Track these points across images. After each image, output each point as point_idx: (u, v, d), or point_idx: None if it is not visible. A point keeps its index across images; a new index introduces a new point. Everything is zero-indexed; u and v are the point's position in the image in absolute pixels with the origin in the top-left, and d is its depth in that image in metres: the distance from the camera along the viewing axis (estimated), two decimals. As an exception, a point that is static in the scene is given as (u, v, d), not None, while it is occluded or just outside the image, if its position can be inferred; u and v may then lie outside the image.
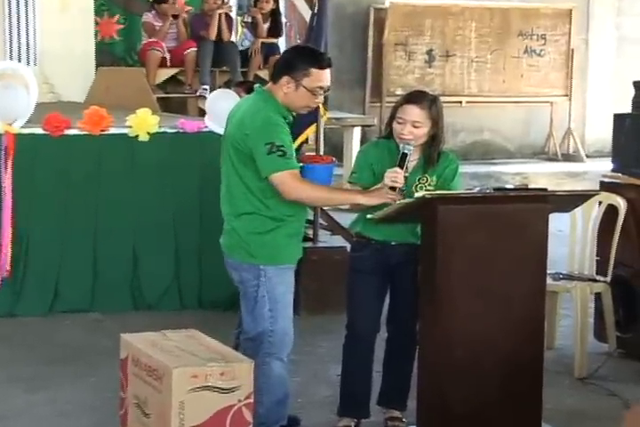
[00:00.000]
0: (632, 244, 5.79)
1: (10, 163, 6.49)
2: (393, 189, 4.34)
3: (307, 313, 6.34)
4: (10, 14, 9.32)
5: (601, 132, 12.27)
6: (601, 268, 5.79)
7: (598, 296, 5.84)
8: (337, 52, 11.06)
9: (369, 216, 4.42)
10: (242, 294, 4.39)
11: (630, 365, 5.73)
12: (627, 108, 6.09)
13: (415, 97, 4.57)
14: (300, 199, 4.26)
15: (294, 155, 4.28)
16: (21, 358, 5.75)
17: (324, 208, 7.16)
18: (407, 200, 4.34)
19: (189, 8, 10.59)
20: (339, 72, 10.81)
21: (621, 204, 5.72)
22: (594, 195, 5.12)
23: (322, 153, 7.33)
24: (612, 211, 5.73)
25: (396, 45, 12.37)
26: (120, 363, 4.40)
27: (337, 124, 10.33)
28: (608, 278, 5.72)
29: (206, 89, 9.86)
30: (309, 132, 7.04)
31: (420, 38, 12.47)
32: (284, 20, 10.59)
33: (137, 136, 6.71)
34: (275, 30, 10.58)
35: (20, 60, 9.10)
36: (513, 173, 12.14)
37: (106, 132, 6.69)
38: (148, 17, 10.19)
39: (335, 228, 7.44)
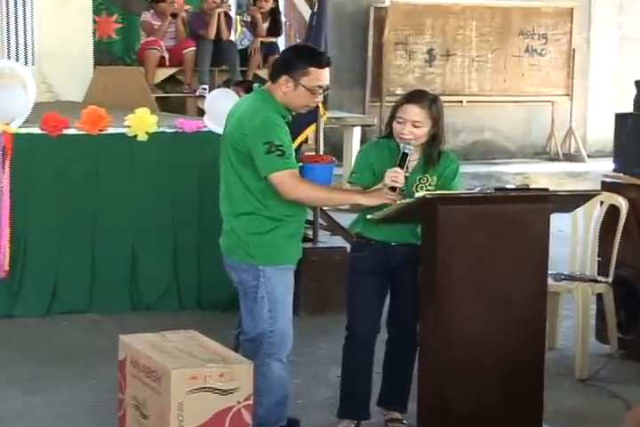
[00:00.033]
0: (634, 244, 5.78)
1: (7, 163, 6.48)
2: (393, 189, 4.34)
3: (306, 314, 6.34)
4: (7, 13, 9.33)
5: (602, 132, 12.25)
6: (602, 268, 5.78)
7: (600, 297, 5.83)
8: (337, 51, 11.06)
9: (369, 216, 4.42)
10: (241, 295, 4.39)
11: (632, 366, 5.72)
12: (628, 108, 6.09)
13: (415, 96, 4.56)
14: (299, 199, 4.25)
15: (293, 154, 4.27)
16: (19, 359, 5.74)
17: (324, 208, 7.16)
18: (407, 200, 4.34)
19: (188, 7, 10.58)
20: (338, 71, 10.81)
21: (623, 204, 5.71)
22: (595, 195, 5.12)
23: (321, 153, 7.33)
24: (613, 211, 5.73)
25: (396, 44, 12.36)
26: (118, 364, 4.40)
27: (337, 123, 10.32)
28: (610, 279, 5.72)
29: (205, 89, 9.85)
30: (309, 131, 7.03)
31: (420, 37, 12.46)
32: (283, 19, 10.58)
33: (135, 136, 6.70)
34: (274, 29, 10.57)
35: (17, 60, 9.10)
36: (514, 173, 12.14)
37: (104, 132, 6.68)
38: (147, 16, 10.18)
39: (335, 228, 7.43)
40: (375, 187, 4.43)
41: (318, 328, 6.18)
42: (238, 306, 4.48)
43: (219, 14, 10.20)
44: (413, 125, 4.48)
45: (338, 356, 4.80)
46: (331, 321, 5.95)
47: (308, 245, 6.70)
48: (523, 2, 12.97)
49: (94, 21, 10.15)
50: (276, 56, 5.08)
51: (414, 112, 4.48)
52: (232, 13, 10.62)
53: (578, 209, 5.14)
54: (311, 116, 6.63)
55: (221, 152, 4.37)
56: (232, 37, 10.52)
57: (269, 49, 10.36)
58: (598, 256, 5.83)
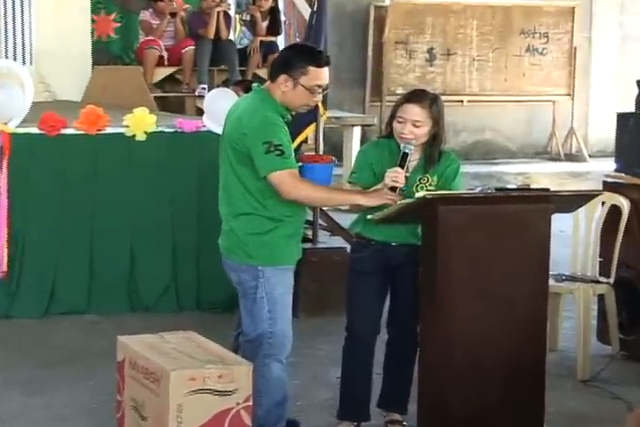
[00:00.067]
0: (636, 245, 5.77)
1: (5, 163, 6.47)
2: (393, 189, 4.33)
3: (306, 315, 6.34)
4: (5, 12, 9.34)
5: (604, 132, 12.24)
6: (604, 269, 5.78)
7: (601, 298, 5.83)
8: (337, 50, 11.07)
9: (369, 217, 4.42)
10: (240, 296, 4.38)
11: (633, 367, 5.71)
12: (630, 107, 6.10)
13: (416, 96, 4.56)
14: (298, 199, 4.24)
15: (293, 154, 4.26)
16: (17, 360, 5.73)
17: (324, 209, 7.15)
18: (408, 200, 4.33)
19: (187, 6, 10.58)
20: (338, 71, 10.81)
21: (625, 204, 5.70)
22: (597, 195, 5.10)
23: (321, 153, 7.35)
24: (615, 211, 5.72)
25: (396, 44, 12.36)
26: (117, 365, 4.39)
27: (337, 123, 10.34)
28: (611, 280, 5.71)
29: (205, 88, 9.83)
30: (309, 131, 7.03)
31: (420, 36, 12.46)
32: (283, 18, 10.57)
33: (134, 136, 6.69)
34: (274, 28, 10.56)
35: (15, 59, 9.13)
36: (515, 173, 12.15)
37: (102, 132, 6.67)
38: (146, 15, 10.18)
39: (335, 228, 7.43)
40: (375, 187, 4.42)
41: (318, 329, 6.17)
42: (237, 307, 4.48)
43: (218, 13, 10.19)
44: (414, 125, 4.47)
45: (337, 357, 4.79)
46: (330, 322, 5.93)
47: (308, 245, 6.70)
48: (524, 1, 12.96)
49: (92, 20, 10.17)
50: (276, 55, 5.06)
51: (415, 112, 4.47)
52: (231, 12, 10.61)
53: (579, 209, 5.16)
54: (311, 116, 6.63)
55: (220, 152, 4.37)
56: (231, 37, 10.51)
57: (269, 48, 10.35)
58: (600, 257, 5.83)
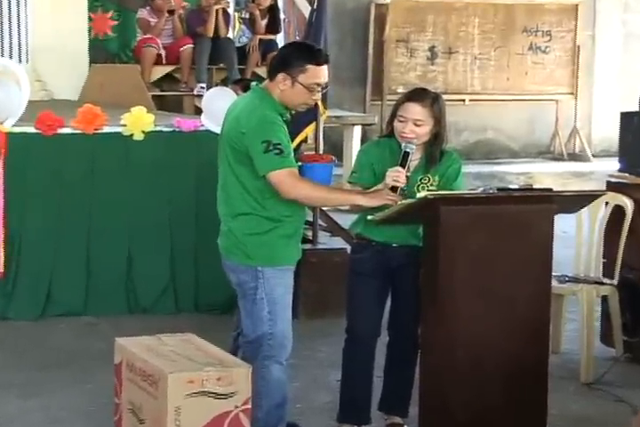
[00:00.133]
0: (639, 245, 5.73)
1: (1, 162, 6.45)
2: (394, 189, 4.31)
3: (306, 317, 6.33)
4: (1, 10, 9.33)
5: (608, 131, 12.21)
6: (607, 270, 5.77)
7: (605, 299, 5.82)
8: (337, 48, 11.06)
9: (369, 217, 4.40)
10: (240, 297, 4.36)
11: (638, 370, 5.69)
12: (634, 106, 6.10)
13: (417, 95, 4.54)
14: (298, 198, 4.21)
15: (292, 153, 4.24)
16: (13, 363, 5.71)
17: (324, 209, 7.15)
18: (409, 201, 4.32)
19: (185, 4, 10.58)
20: (339, 69, 10.78)
21: (628, 204, 5.68)
22: (600, 195, 5.08)
23: (321, 152, 7.33)
24: (618, 212, 5.70)
25: (397, 42, 12.33)
26: (114, 368, 4.39)
27: (337, 122, 10.34)
28: (615, 281, 5.69)
29: (203, 87, 9.82)
30: (308, 130, 7.05)
31: (422, 35, 12.43)
32: (282, 16, 10.56)
33: (132, 135, 6.67)
34: (273, 26, 10.54)
35: (11, 57, 9.15)
36: (517, 172, 12.15)
37: (100, 131, 6.65)
38: (143, 13, 10.17)
39: (335, 229, 7.43)
40: (376, 187, 4.41)
41: (318, 331, 6.15)
42: (236, 308, 4.47)
43: (217, 11, 10.17)
44: (415, 124, 4.46)
45: (338, 359, 4.77)
46: (330, 324, 5.92)
47: (308, 246, 6.68)
48: (526, -2, 12.93)
49: (89, 18, 10.18)
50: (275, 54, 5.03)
51: (416, 111, 4.46)
52: (230, 10, 10.60)
53: (582, 210, 5.12)
54: (311, 115, 6.63)
55: (219, 152, 4.35)
56: (230, 35, 10.49)
57: (268, 46, 10.32)
58: (603, 258, 5.81)
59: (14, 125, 6.50)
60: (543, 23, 12.85)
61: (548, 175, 12.06)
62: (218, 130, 4.70)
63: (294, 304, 4.42)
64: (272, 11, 10.54)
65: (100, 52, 10.29)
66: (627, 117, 6.00)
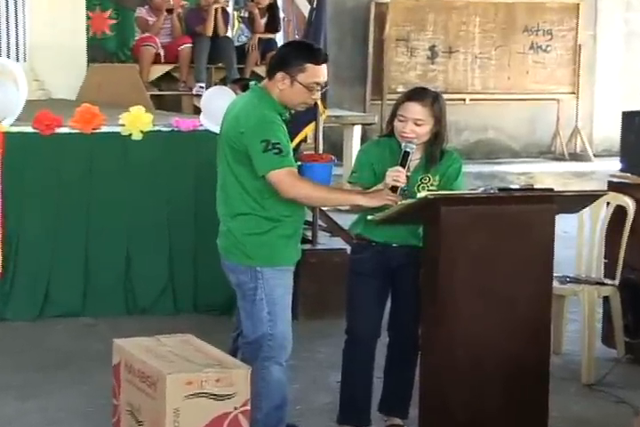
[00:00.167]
0: (641, 245, 5.75)
1: (-2, 162, 6.47)
2: (394, 189, 4.30)
3: (305, 317, 6.32)
4: (-2, 8, 9.32)
5: (609, 131, 12.18)
6: (609, 271, 5.76)
7: (606, 300, 5.79)
8: (337, 48, 11.04)
9: (369, 218, 4.39)
10: (239, 298, 4.35)
11: (639, 371, 5.68)
12: (636, 106, 6.15)
13: (417, 94, 4.53)
14: (297, 198, 4.20)
15: (291, 153, 4.23)
16: (11, 364, 5.69)
17: (324, 209, 7.14)
18: (409, 201, 4.31)
19: (184, 2, 10.59)
20: (338, 69, 10.75)
21: (630, 204, 5.67)
22: (602, 195, 5.08)
23: (321, 152, 7.33)
24: (620, 212, 5.69)
25: (397, 41, 12.30)
26: (113, 369, 4.39)
27: (336, 122, 10.33)
28: (616, 282, 5.68)
29: (202, 86, 9.81)
30: (308, 130, 7.05)
31: (422, 34, 12.40)
32: (281, 14, 10.56)
33: (130, 135, 6.65)
34: (272, 25, 10.54)
35: (9, 56, 9.17)
36: (518, 172, 12.13)
37: (98, 131, 6.63)
38: (142, 12, 10.17)
39: (335, 229, 7.43)
40: (376, 187, 4.40)
41: (317, 332, 6.14)
42: (235, 309, 4.47)
43: (215, 10, 10.16)
44: (415, 124, 4.45)
45: (337, 360, 4.77)
46: (330, 325, 5.90)
47: (307, 246, 6.67)
48: (527, -3, 12.90)
49: (88, 17, 10.18)
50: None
51: (416, 110, 4.45)
52: (229, 9, 10.59)
53: (584, 210, 5.09)
54: (310, 115, 6.61)
55: (218, 151, 4.34)
56: (229, 34, 10.49)
57: (267, 45, 10.32)
58: (605, 258, 5.81)
59: (12, 125, 6.48)
60: (544, 22, 12.83)
61: (549, 175, 12.04)
62: (217, 129, 4.70)
63: (293, 305, 4.42)
64: (271, 9, 10.54)
65: (99, 51, 10.30)
66: (628, 117, 5.98)
